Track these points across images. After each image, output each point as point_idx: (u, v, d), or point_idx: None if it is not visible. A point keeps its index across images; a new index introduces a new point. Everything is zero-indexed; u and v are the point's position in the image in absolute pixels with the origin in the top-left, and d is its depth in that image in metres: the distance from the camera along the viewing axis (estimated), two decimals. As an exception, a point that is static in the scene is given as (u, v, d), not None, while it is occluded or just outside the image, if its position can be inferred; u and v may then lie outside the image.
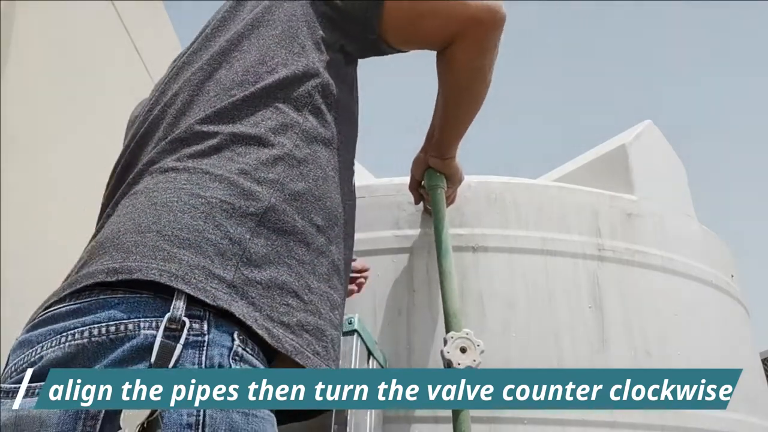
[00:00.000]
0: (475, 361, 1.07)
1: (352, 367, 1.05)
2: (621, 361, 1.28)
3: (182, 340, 0.63)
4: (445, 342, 1.10)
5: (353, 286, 1.24)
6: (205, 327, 0.65)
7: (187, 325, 0.64)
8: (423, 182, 1.33)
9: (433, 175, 1.30)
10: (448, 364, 1.07)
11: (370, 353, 1.17)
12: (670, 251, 1.48)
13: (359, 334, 1.10)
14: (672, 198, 1.68)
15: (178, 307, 0.65)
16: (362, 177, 1.71)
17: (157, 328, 0.63)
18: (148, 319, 0.64)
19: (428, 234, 1.38)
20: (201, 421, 0.62)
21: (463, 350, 1.08)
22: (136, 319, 0.64)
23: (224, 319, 0.66)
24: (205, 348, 0.65)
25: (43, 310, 0.68)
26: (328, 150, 0.85)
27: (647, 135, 1.74)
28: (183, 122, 0.80)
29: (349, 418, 0.98)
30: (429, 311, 1.31)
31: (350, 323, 1.09)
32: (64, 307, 0.66)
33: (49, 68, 1.85)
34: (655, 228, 1.50)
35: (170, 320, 0.64)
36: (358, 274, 1.26)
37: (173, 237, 0.68)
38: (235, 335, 0.67)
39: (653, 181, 1.64)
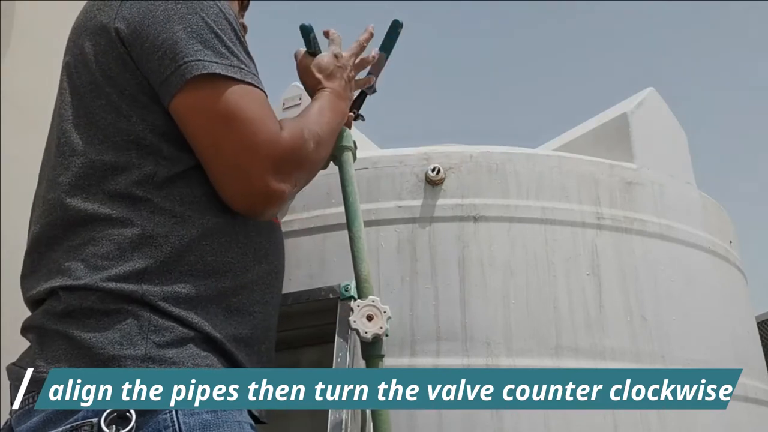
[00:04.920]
0: None
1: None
2: (617, 325, 1.32)
3: None
4: None
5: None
6: None
7: None
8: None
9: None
10: None
11: None
12: (669, 219, 1.50)
13: (355, 300, 1.14)
14: (673, 166, 1.69)
15: None
16: (366, 148, 1.73)
17: None
18: None
19: (430, 204, 1.41)
20: None
21: None
22: None
23: None
24: None
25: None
26: (195, 216, 0.83)
27: (649, 103, 1.74)
28: None
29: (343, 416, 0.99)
30: (431, 279, 1.35)
31: (347, 290, 1.14)
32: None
33: (49, 68, 1.86)
34: (655, 196, 1.52)
35: None
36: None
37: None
38: None
39: (654, 149, 1.65)
